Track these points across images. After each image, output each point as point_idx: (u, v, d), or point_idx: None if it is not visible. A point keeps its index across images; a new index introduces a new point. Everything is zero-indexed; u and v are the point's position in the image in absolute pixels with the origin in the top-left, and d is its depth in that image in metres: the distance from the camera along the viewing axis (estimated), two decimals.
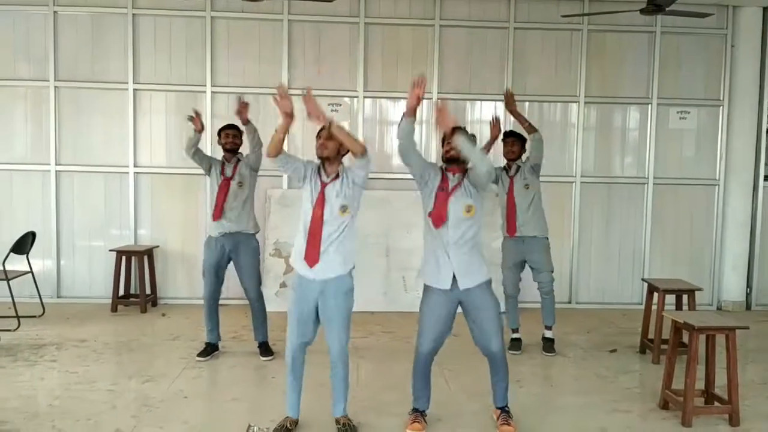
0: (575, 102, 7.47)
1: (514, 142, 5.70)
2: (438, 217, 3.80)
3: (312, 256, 3.76)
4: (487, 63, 7.40)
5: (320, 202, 3.79)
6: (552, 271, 5.71)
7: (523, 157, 5.76)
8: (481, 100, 7.46)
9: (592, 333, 6.43)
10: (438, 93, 7.31)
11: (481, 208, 3.87)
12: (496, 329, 3.87)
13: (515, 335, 5.76)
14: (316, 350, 4.08)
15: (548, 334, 5.75)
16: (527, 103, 7.46)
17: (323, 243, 3.76)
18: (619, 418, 4.29)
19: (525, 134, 5.73)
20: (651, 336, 5.64)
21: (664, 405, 4.41)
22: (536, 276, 5.71)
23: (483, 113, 7.48)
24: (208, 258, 5.30)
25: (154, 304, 7.08)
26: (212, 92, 7.21)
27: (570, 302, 7.51)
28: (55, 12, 7.08)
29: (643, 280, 6.47)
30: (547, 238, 5.76)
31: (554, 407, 4.50)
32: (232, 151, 5.41)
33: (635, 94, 7.53)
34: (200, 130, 5.41)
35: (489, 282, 3.89)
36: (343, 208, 3.79)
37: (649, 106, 7.51)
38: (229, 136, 5.40)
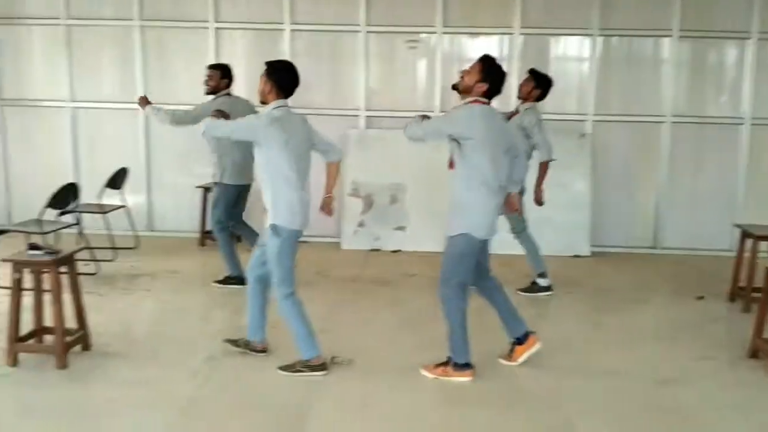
0: (668, 36, 7.04)
1: (527, 79, 5.44)
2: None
3: None
4: None
5: None
6: (515, 220, 5.43)
7: (524, 117, 5.37)
8: (566, 35, 7.14)
9: (677, 279, 6.24)
10: (521, 28, 7.04)
11: (463, 159, 3.71)
12: (441, 273, 3.82)
13: (537, 279, 5.61)
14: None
15: (538, 279, 5.61)
16: (616, 38, 7.09)
17: None
18: (704, 365, 4.20)
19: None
20: (742, 284, 5.41)
21: (754, 354, 4.27)
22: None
23: (567, 50, 7.18)
24: None
25: (239, 239, 7.31)
26: (291, 30, 7.19)
27: (654, 247, 7.28)
28: None
29: (735, 225, 6.18)
30: None
31: (635, 352, 4.42)
32: (209, 93, 5.60)
33: (733, 28, 7.00)
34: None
35: (459, 234, 3.74)
36: None
37: (749, 40, 6.99)
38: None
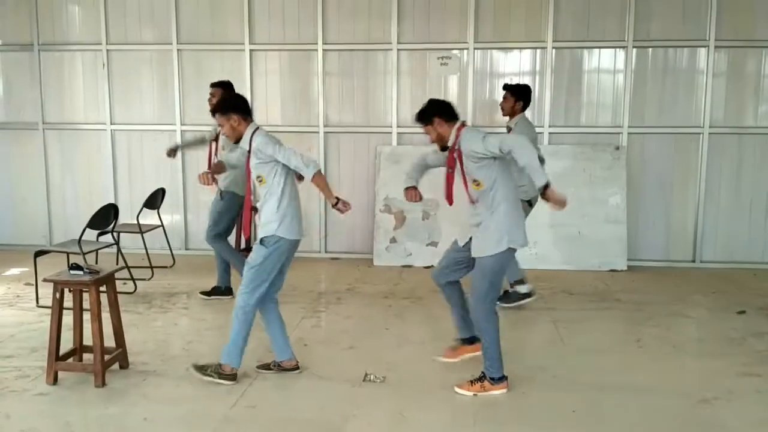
0: (704, 47, 6.93)
1: (505, 96, 5.41)
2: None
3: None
4: (607, 7, 6.96)
5: (248, 174, 4.04)
6: None
7: (513, 123, 5.36)
8: (600, 48, 7.07)
9: (719, 293, 6.08)
10: (553, 41, 7.01)
11: (505, 171, 3.75)
12: (474, 292, 3.83)
13: (511, 288, 5.53)
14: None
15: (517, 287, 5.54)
16: (650, 50, 7.01)
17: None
18: (748, 382, 4.07)
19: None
20: None
21: None
22: None
23: (602, 62, 7.11)
24: None
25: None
26: (323, 50, 7.29)
27: (694, 261, 7.12)
28: None
29: None
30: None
31: (677, 369, 4.32)
32: (212, 112, 5.59)
33: None
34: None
35: (502, 251, 3.74)
36: (259, 179, 3.93)
37: None
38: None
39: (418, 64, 7.30)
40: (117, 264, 5.98)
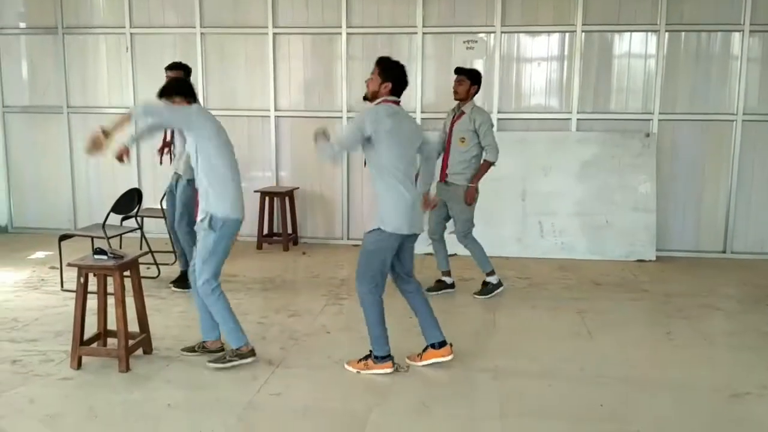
0: (739, 31, 6.72)
1: (461, 80, 5.25)
2: None
3: None
4: None
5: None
6: (466, 222, 5.37)
7: (474, 118, 5.21)
8: (631, 31, 6.89)
9: (750, 285, 5.94)
10: (583, 25, 6.84)
11: (373, 157, 3.80)
12: (357, 269, 3.95)
13: (442, 277, 5.61)
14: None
15: (487, 279, 5.51)
16: (683, 34, 6.81)
17: None
18: None
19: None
20: None
21: None
22: (453, 224, 5.47)
23: (633, 46, 6.93)
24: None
25: (295, 242, 7.38)
26: (347, 33, 7.19)
27: (725, 251, 6.97)
28: None
29: None
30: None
31: (708, 363, 4.21)
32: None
33: None
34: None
35: (375, 229, 3.85)
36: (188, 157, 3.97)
37: None
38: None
39: (443, 48, 7.18)
40: (141, 248, 5.98)
